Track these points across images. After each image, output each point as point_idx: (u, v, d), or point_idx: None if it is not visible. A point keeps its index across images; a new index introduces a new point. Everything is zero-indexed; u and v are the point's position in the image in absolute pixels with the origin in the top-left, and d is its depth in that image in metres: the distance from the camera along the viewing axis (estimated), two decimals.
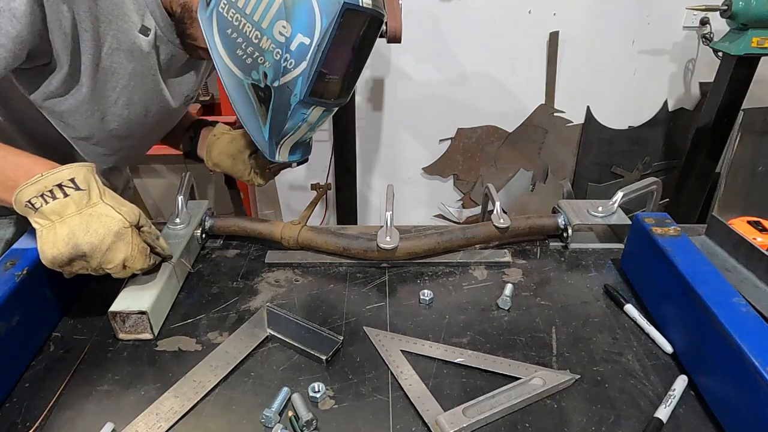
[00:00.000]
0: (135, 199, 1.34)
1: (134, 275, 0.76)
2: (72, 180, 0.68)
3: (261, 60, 0.77)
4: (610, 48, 2.42)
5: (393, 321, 0.80)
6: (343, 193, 2.33)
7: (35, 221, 0.68)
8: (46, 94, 0.80)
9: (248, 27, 0.75)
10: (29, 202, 0.66)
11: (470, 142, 2.61)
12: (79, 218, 0.67)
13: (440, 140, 2.63)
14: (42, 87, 0.79)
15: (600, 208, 0.97)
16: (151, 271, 0.78)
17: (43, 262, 0.68)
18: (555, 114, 2.56)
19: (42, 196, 0.66)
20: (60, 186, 0.67)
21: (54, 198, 0.66)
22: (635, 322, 0.79)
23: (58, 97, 0.81)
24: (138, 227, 0.73)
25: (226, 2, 0.76)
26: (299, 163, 0.99)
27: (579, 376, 0.69)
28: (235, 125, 1.10)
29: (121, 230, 0.69)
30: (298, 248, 0.95)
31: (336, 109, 0.87)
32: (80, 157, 0.94)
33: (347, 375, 0.70)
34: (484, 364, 0.71)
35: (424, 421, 0.63)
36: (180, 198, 0.94)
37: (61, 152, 0.89)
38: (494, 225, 0.94)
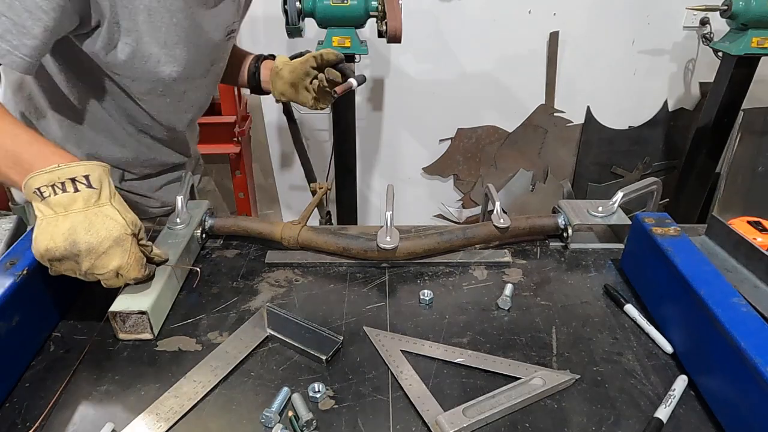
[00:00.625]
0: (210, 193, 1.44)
1: (126, 285, 0.74)
2: (86, 177, 0.67)
3: None
4: (610, 48, 2.42)
5: (393, 321, 0.80)
6: (343, 193, 2.33)
7: (39, 209, 0.66)
8: (105, 49, 0.85)
9: None
10: (38, 189, 0.65)
11: (470, 142, 2.62)
12: (83, 215, 0.66)
13: (440, 140, 2.63)
14: (98, 44, 0.84)
15: (600, 208, 0.97)
16: (143, 281, 0.75)
17: (34, 251, 0.66)
18: (555, 114, 2.56)
19: (53, 186, 0.65)
20: (73, 180, 0.66)
21: (64, 191, 0.66)
22: (635, 322, 0.79)
23: (113, 49, 0.85)
24: (137, 238, 0.72)
25: None
26: (359, 83, 1.06)
27: (579, 376, 0.69)
28: (293, 56, 1.17)
29: (122, 236, 0.68)
30: (298, 248, 0.95)
31: None
32: (157, 127, 1.05)
33: (347, 375, 0.70)
34: (484, 364, 0.71)
35: (424, 421, 0.63)
36: (180, 198, 0.94)
37: (142, 124, 1.03)
38: (494, 225, 0.94)
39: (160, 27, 0.87)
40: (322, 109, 1.14)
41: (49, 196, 0.65)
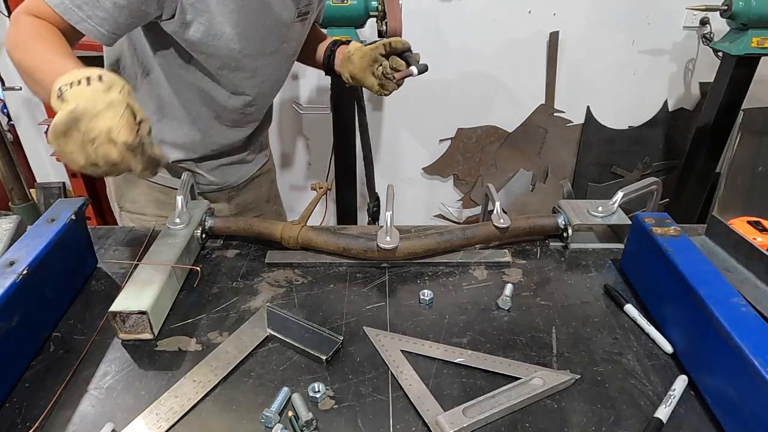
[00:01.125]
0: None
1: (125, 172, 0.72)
2: (100, 76, 0.72)
3: None
4: (610, 48, 2.42)
5: (393, 321, 0.80)
6: (343, 193, 2.33)
7: (57, 107, 0.70)
8: (181, 28, 0.94)
9: None
10: (59, 89, 0.71)
11: (470, 142, 2.61)
12: (90, 93, 0.70)
13: (440, 140, 2.63)
14: (175, 23, 0.93)
15: (600, 208, 0.97)
16: (141, 166, 0.72)
17: (48, 139, 0.70)
18: (555, 114, 2.56)
19: (71, 84, 0.71)
20: (88, 78, 0.71)
21: (78, 84, 0.71)
22: (635, 322, 0.79)
23: (188, 28, 0.95)
24: (138, 122, 0.72)
25: None
26: (420, 72, 1.11)
27: (579, 376, 0.69)
28: (365, 43, 1.27)
29: (115, 101, 0.70)
30: (298, 248, 0.95)
31: None
32: (233, 102, 1.12)
33: (347, 375, 0.70)
34: (484, 364, 0.71)
35: (424, 421, 0.63)
36: (180, 198, 0.94)
37: (218, 105, 1.11)
38: (494, 225, 0.94)
39: (232, 8, 0.95)
40: (386, 94, 1.21)
41: (66, 90, 0.71)
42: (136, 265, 0.83)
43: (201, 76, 1.06)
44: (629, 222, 0.95)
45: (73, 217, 0.83)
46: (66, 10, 0.84)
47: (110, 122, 0.69)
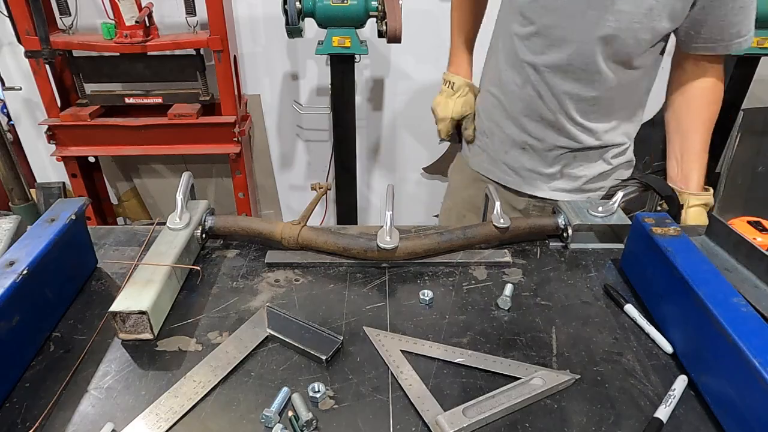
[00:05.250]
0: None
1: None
2: (452, 83, 1.40)
3: None
4: None
5: (393, 321, 0.80)
6: (343, 193, 2.33)
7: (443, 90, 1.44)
8: None
9: None
10: (446, 81, 1.43)
11: None
12: (443, 97, 1.43)
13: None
14: None
15: (600, 208, 0.97)
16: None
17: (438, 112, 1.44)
18: None
19: (445, 82, 1.42)
20: (451, 83, 1.41)
21: (445, 85, 1.43)
22: (635, 322, 0.79)
23: None
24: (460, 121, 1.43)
25: None
26: None
27: (579, 376, 0.69)
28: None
29: (447, 115, 1.40)
30: (298, 248, 0.95)
31: None
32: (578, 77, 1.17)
33: (347, 375, 0.70)
34: (484, 364, 0.71)
35: (424, 421, 0.63)
36: (180, 198, 0.94)
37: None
38: (494, 225, 0.94)
39: None
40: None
41: (443, 87, 1.42)
42: (136, 265, 0.83)
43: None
44: (629, 222, 0.95)
45: (73, 217, 0.83)
46: None
47: (441, 113, 1.41)
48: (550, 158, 1.24)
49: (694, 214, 1.12)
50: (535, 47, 1.14)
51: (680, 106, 1.18)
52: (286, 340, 0.74)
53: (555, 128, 1.20)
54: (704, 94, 1.15)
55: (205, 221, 0.97)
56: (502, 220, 0.94)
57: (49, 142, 2.21)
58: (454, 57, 1.47)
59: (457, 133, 1.46)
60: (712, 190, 1.17)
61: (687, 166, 1.17)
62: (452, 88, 1.39)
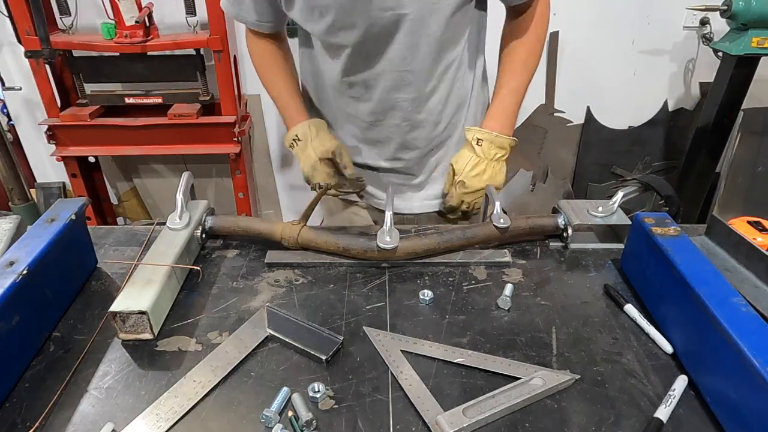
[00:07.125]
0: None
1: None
2: (296, 136, 1.16)
3: None
4: (610, 48, 2.42)
5: (393, 321, 0.80)
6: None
7: (293, 150, 1.18)
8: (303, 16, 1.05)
9: None
10: (292, 140, 1.17)
11: None
12: (301, 155, 1.17)
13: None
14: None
15: (600, 208, 0.97)
16: (345, 189, 1.19)
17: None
18: (555, 114, 2.56)
19: (292, 140, 1.17)
20: (296, 138, 1.16)
21: (293, 144, 1.17)
22: (635, 322, 0.79)
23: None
24: (332, 159, 1.13)
25: None
26: None
27: (579, 376, 0.69)
28: None
29: (314, 164, 1.13)
30: (298, 248, 0.95)
31: None
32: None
33: (347, 375, 0.70)
34: (484, 364, 0.71)
35: (424, 421, 0.63)
36: (180, 198, 0.94)
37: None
38: (494, 225, 0.94)
39: None
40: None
41: (291, 147, 1.18)
42: (136, 265, 0.83)
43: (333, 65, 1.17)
44: (629, 222, 0.95)
45: (73, 217, 0.83)
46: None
47: (320, 179, 1.13)
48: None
49: (459, 157, 1.15)
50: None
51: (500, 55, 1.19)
52: (286, 340, 0.74)
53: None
54: (513, 38, 1.16)
55: (205, 221, 0.97)
56: (502, 220, 0.94)
57: (49, 142, 2.21)
58: (285, 116, 1.21)
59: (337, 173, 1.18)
60: (513, 137, 1.19)
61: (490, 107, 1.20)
62: (299, 140, 1.15)
